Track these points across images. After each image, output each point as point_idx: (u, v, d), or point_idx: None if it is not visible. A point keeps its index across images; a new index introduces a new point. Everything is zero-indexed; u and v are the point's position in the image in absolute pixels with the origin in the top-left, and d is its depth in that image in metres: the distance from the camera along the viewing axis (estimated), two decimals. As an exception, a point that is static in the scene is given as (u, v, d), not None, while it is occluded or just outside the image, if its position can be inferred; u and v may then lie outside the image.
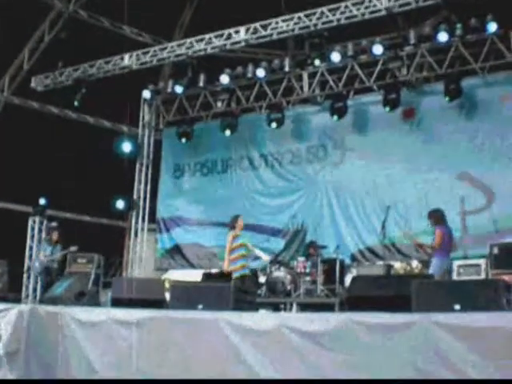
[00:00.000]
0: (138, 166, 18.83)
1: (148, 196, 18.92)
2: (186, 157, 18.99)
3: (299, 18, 14.85)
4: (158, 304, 9.12)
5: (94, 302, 11.73)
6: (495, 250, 12.13)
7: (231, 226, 12.41)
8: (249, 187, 17.88)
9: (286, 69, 16.44)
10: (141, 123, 19.28)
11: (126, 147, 17.98)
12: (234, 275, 12.01)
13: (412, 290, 7.05)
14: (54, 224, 15.73)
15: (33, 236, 17.43)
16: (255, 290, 13.03)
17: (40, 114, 19.21)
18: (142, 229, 18.70)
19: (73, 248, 14.84)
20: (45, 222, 17.17)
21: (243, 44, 15.90)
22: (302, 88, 17.07)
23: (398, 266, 14.97)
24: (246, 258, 12.53)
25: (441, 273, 11.07)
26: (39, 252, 15.20)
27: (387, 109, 15.16)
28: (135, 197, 18.63)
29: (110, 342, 8.21)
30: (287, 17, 15.04)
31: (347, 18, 14.36)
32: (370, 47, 15.22)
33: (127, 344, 8.05)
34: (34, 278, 17.02)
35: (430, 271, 11.19)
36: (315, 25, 14.67)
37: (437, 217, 11.71)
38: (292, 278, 13.07)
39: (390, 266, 13.27)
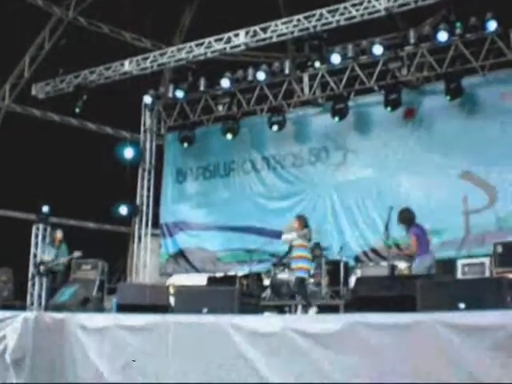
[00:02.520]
0: (140, 171, 18.86)
1: (151, 201, 18.96)
2: (188, 161, 19.01)
3: (298, 20, 14.86)
4: (163, 309, 9.13)
5: (99, 308, 11.76)
6: (499, 249, 12.14)
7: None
8: (252, 190, 17.88)
9: (287, 71, 16.49)
10: (142, 129, 19.32)
11: (128, 153, 18.03)
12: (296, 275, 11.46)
13: (417, 290, 7.05)
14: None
15: (37, 243, 17.45)
16: (261, 292, 13.04)
17: (41, 122, 19.23)
18: (146, 234, 18.73)
19: (77, 253, 14.78)
20: (48, 229, 17.18)
21: (243, 47, 15.90)
22: (302, 90, 17.09)
23: (402, 266, 14.92)
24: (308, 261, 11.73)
25: (423, 270, 11.02)
26: (43, 254, 15.11)
27: (388, 109, 15.19)
28: (138, 202, 18.65)
29: (116, 348, 8.21)
30: (286, 19, 15.06)
31: (346, 19, 14.37)
32: (369, 48, 15.24)
33: (133, 349, 8.05)
34: (38, 286, 17.03)
35: (414, 272, 11.18)
36: (314, 26, 14.68)
37: (408, 219, 11.58)
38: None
39: (394, 267, 13.24)
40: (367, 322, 6.51)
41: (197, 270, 18.16)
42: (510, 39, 14.11)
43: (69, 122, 19.64)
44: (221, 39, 15.90)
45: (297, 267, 11.33)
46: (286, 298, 12.96)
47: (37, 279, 16.72)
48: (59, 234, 15.10)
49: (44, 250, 14.89)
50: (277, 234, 16.76)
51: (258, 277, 15.66)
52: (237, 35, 15.64)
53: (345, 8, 14.33)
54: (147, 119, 19.43)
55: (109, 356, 8.26)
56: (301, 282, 11.25)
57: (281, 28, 15.09)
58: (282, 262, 14.95)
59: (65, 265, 14.92)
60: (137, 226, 18.77)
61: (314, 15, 14.67)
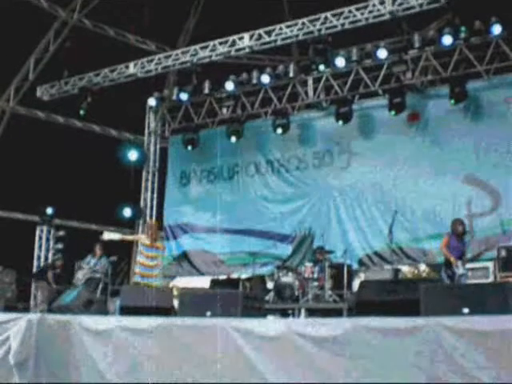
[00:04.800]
0: (144, 173, 18.91)
1: (155, 203, 18.98)
2: (192, 164, 19.01)
3: (303, 23, 14.87)
4: (167, 311, 9.13)
5: (103, 311, 11.74)
6: (503, 253, 12.14)
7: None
8: (256, 193, 17.87)
9: (291, 74, 16.52)
10: (146, 131, 19.37)
11: (132, 155, 18.05)
12: None
13: (420, 294, 7.04)
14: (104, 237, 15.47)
15: (40, 245, 17.47)
16: (264, 295, 13.02)
17: (46, 124, 19.25)
18: (150, 236, 18.72)
19: (112, 258, 14.89)
20: (52, 231, 17.21)
21: (247, 50, 15.92)
22: (306, 93, 17.10)
23: (406, 270, 14.94)
24: None
25: None
26: (81, 264, 15.09)
27: (393, 113, 15.18)
28: (142, 205, 18.67)
29: (120, 350, 8.21)
30: (291, 22, 15.08)
31: (351, 22, 14.39)
32: (374, 51, 15.27)
33: (137, 352, 8.05)
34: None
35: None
36: (319, 30, 14.70)
37: None
38: (300, 283, 13.05)
39: (397, 271, 13.24)
40: (370, 326, 6.51)
41: (200, 273, 18.16)
42: (514, 43, 14.13)
43: (73, 124, 19.65)
44: (225, 42, 15.92)
45: None
46: (289, 301, 12.94)
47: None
48: (98, 250, 15.06)
49: (84, 260, 14.89)
50: (281, 238, 16.81)
51: (261, 280, 15.67)
52: (241, 38, 15.66)
53: (349, 12, 14.35)
54: (151, 122, 19.48)
55: (112, 358, 8.26)
56: None
57: (285, 31, 15.10)
58: (285, 265, 14.96)
59: (104, 273, 15.06)
60: (140, 229, 18.78)
61: (318, 19, 14.69)
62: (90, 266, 14.88)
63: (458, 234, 11.52)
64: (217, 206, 18.33)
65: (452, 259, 11.15)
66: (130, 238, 13.35)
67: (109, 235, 12.24)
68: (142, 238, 12.13)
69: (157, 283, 11.98)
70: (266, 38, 15.35)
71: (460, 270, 11.10)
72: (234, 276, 16.60)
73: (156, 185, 19.13)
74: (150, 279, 12.24)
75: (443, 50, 14.85)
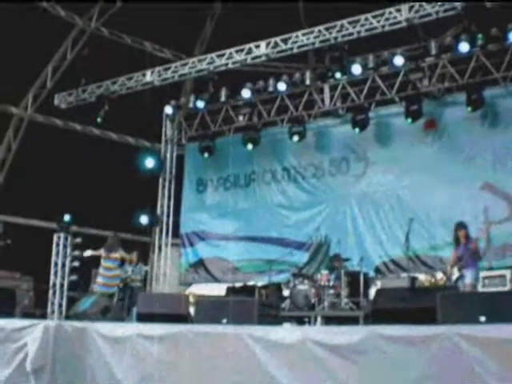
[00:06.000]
0: (161, 181, 18.97)
1: (171, 211, 19.03)
2: (208, 171, 19.05)
3: (319, 31, 14.90)
4: (183, 318, 9.15)
5: (119, 318, 11.78)
6: (520, 261, 12.06)
7: None
8: (272, 201, 17.88)
9: (307, 82, 16.54)
10: (163, 138, 19.45)
11: (149, 163, 18.11)
12: None
13: (437, 303, 7.02)
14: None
15: (58, 252, 17.50)
16: (280, 303, 13.02)
17: (63, 131, 19.36)
18: (166, 244, 18.84)
19: (145, 267, 15.58)
20: (69, 239, 17.27)
21: (264, 58, 15.96)
22: (323, 101, 17.11)
23: (423, 278, 14.88)
24: None
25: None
26: (119, 273, 15.20)
27: (409, 120, 15.15)
28: (159, 212, 18.74)
29: (137, 357, 8.23)
30: (307, 30, 15.11)
31: (367, 30, 14.40)
32: (390, 59, 15.24)
33: (153, 359, 8.07)
34: (59, 294, 17.11)
35: (474, 283, 11.11)
36: (335, 38, 14.71)
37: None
38: (316, 291, 13.03)
39: (414, 279, 13.18)
40: (387, 334, 6.50)
41: (216, 280, 18.18)
42: (531, 50, 14.07)
43: (90, 132, 19.76)
44: (242, 50, 15.97)
45: None
46: (305, 309, 12.92)
47: (58, 288, 16.80)
48: (134, 257, 15.21)
49: (123, 268, 15.04)
50: (297, 245, 16.80)
51: (277, 287, 15.65)
52: (258, 46, 15.71)
53: (366, 19, 14.35)
54: (168, 129, 19.56)
55: (129, 365, 8.28)
56: None
57: (301, 39, 15.14)
58: (301, 272, 14.94)
59: (140, 280, 15.23)
60: (157, 236, 18.87)
61: (334, 26, 14.71)
62: (129, 275, 15.01)
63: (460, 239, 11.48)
64: (233, 214, 18.37)
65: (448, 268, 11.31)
66: (95, 252, 14.06)
67: (86, 253, 14.50)
68: (101, 251, 13.60)
69: (110, 291, 13.54)
70: (283, 46, 15.38)
71: (454, 275, 11.11)
72: (250, 283, 16.60)
73: (173, 192, 19.17)
74: (110, 288, 13.13)
75: (460, 57, 14.81)
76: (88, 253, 14.40)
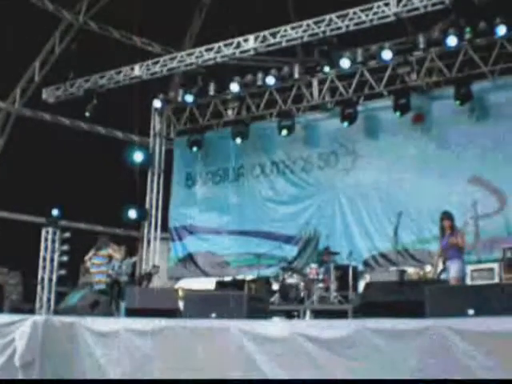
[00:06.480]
0: (149, 175, 18.91)
1: (160, 205, 18.99)
2: (197, 165, 19.02)
3: (308, 25, 14.88)
4: (172, 313, 9.15)
5: (108, 312, 11.77)
6: (509, 254, 12.08)
7: None
8: (261, 195, 17.86)
9: (296, 76, 16.50)
10: (152, 133, 19.37)
11: (138, 157, 18.07)
12: None
13: (425, 296, 7.04)
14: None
15: (46, 247, 17.43)
16: (269, 297, 13.01)
17: (51, 126, 19.30)
18: (155, 238, 18.78)
19: (134, 258, 15.67)
20: (58, 233, 17.21)
21: (252, 52, 15.94)
22: (311, 95, 17.09)
23: (412, 271, 14.88)
24: None
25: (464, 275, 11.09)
26: (107, 269, 15.21)
27: (397, 114, 15.16)
28: (147, 206, 18.69)
29: (125, 352, 8.23)
30: (296, 24, 15.09)
31: (356, 24, 14.40)
32: (379, 53, 15.23)
33: (142, 353, 8.07)
34: (47, 289, 17.05)
35: (461, 276, 11.08)
36: (324, 32, 14.71)
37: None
38: (305, 284, 13.03)
39: (403, 272, 13.19)
40: (375, 328, 6.51)
41: (205, 274, 18.16)
42: (519, 44, 14.10)
43: (79, 126, 19.70)
44: (230, 44, 15.95)
45: None
46: (294, 303, 12.93)
47: (46, 283, 16.74)
48: (122, 251, 15.22)
49: (110, 265, 15.07)
50: (286, 239, 16.80)
51: (266, 281, 15.64)
52: (246, 40, 15.68)
53: (354, 13, 14.35)
54: (157, 123, 19.49)
55: (117, 359, 8.28)
56: None
57: (290, 33, 15.12)
58: (290, 266, 14.95)
59: (128, 274, 15.18)
60: (146, 230, 18.82)
61: (323, 20, 14.70)
62: (116, 270, 14.98)
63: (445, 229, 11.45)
64: (222, 208, 18.36)
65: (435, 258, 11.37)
66: (89, 254, 14.62)
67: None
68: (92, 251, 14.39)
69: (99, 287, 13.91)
70: (271, 40, 15.37)
71: (439, 267, 11.14)
72: (239, 277, 16.58)
73: (161, 186, 19.13)
74: (98, 285, 13.70)
75: (448, 51, 14.83)
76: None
